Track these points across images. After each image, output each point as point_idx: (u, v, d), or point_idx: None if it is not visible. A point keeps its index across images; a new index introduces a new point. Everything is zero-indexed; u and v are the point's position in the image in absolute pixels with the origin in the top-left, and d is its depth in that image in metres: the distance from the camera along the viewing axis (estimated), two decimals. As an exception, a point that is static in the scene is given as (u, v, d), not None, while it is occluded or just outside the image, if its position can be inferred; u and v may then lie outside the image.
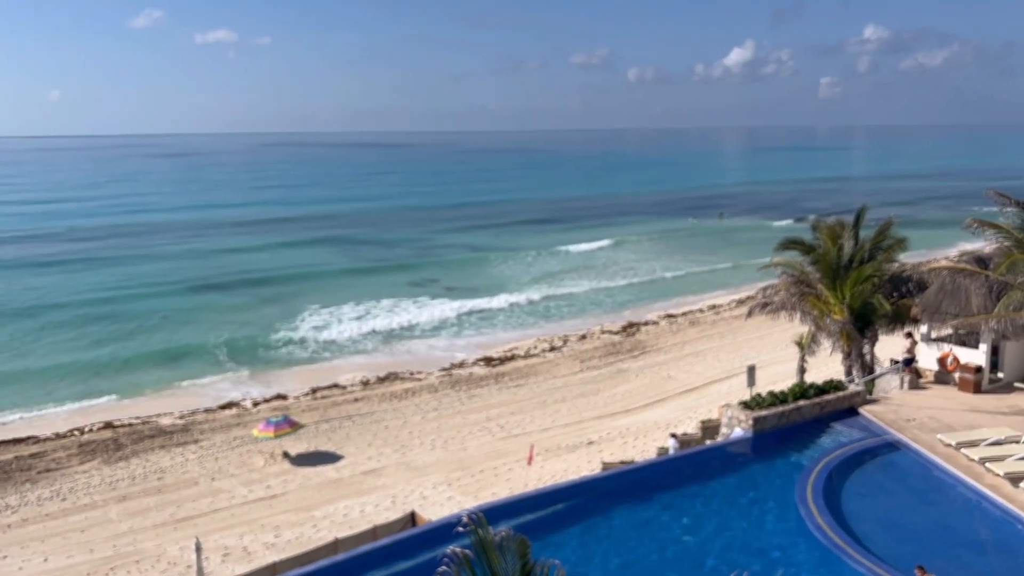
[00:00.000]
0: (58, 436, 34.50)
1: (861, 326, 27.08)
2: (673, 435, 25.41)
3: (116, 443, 33.39)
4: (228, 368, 44.26)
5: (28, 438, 34.30)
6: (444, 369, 43.81)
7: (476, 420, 35.25)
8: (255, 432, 31.76)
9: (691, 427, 28.58)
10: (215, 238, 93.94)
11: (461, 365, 44.62)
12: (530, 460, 26.90)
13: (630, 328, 51.61)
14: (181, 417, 36.51)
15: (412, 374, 42.87)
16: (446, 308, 57.16)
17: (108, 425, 35.51)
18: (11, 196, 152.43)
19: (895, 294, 27.40)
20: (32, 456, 32.38)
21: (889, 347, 29.90)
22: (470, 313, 56.31)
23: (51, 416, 37.37)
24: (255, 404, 38.46)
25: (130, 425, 35.53)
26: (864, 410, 24.26)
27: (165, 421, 36.04)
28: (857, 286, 26.39)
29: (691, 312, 56.03)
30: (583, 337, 49.82)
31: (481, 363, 44.68)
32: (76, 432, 34.89)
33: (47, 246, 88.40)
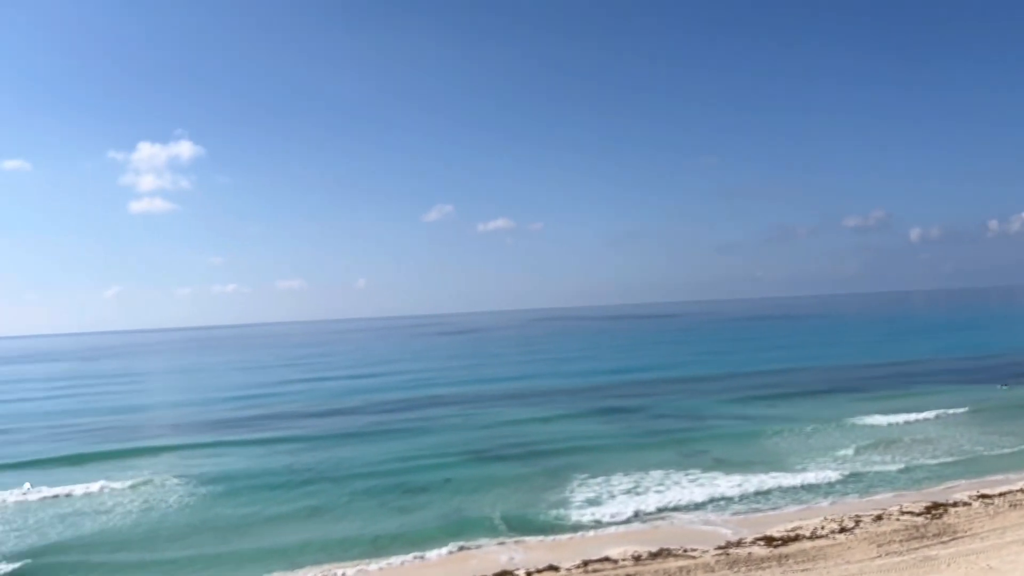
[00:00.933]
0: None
1: None
2: (1001, 638, 21.50)
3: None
4: (500, 535, 44.99)
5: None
6: (720, 547, 41.16)
7: (758, 606, 32.36)
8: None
9: (1024, 630, 24.03)
10: (492, 409, 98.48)
11: (739, 544, 41.72)
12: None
13: (935, 509, 45.65)
14: (457, 584, 37.32)
15: (685, 551, 40.73)
16: (720, 482, 54.43)
17: (392, 588, 37.13)
18: (319, 373, 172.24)
19: None
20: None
21: None
22: (745, 489, 53.08)
23: (344, 576, 39.85)
24: (528, 574, 38.44)
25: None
26: None
27: (443, 587, 37.01)
28: None
29: (1010, 492, 48.56)
30: (878, 518, 44.77)
31: (761, 542, 41.48)
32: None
33: (348, 419, 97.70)
